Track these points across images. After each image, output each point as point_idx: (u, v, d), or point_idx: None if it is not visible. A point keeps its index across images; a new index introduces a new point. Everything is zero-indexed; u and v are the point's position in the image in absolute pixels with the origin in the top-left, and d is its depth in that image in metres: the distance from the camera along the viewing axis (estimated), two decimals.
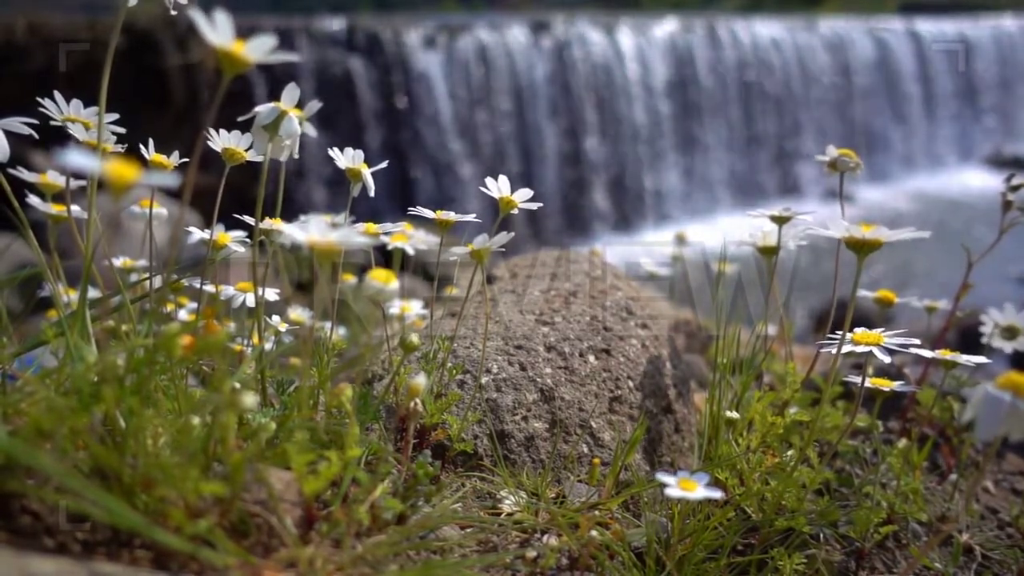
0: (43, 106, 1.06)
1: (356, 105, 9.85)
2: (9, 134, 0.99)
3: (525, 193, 1.15)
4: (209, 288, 1.24)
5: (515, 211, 1.14)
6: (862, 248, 0.97)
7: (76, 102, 1.09)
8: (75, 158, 0.59)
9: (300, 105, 0.98)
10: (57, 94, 1.07)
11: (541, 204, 1.16)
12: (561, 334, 1.33)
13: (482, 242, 1.10)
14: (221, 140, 1.10)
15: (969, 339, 1.45)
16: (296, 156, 1.05)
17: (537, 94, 10.83)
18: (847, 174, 1.29)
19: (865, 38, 13.65)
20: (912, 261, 9.02)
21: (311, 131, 1.01)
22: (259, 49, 0.75)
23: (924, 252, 8.88)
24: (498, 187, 1.14)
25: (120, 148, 1.10)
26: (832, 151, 1.29)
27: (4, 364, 0.92)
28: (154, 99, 8.77)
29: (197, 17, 0.72)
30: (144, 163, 1.11)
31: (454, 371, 1.18)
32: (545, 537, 0.99)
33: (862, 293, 1.38)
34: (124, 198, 0.62)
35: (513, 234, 1.10)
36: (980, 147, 14.43)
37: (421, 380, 0.91)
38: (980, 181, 12.93)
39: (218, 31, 0.74)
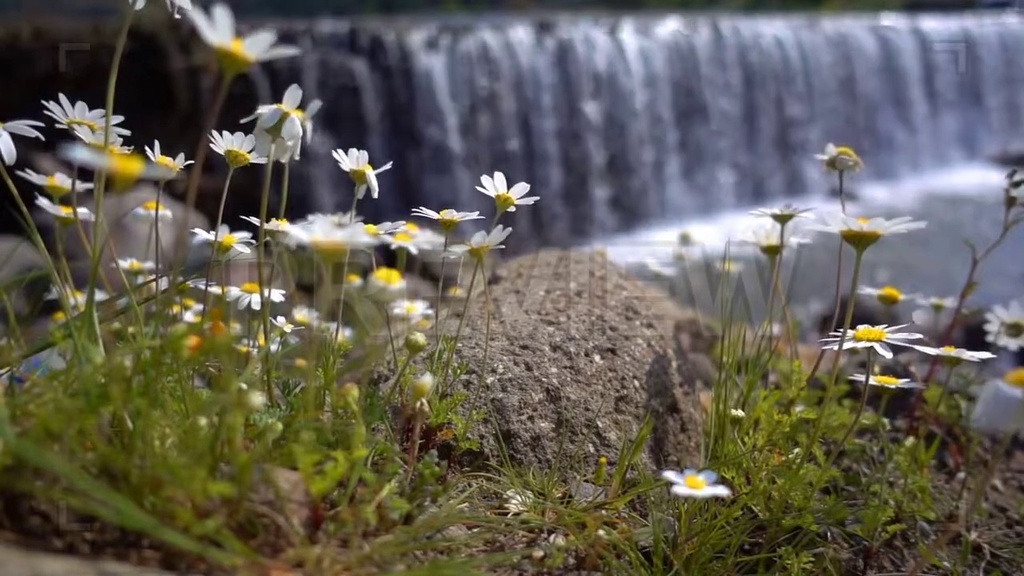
0: (48, 110, 1.07)
1: (359, 107, 9.86)
2: (16, 137, 0.99)
3: (521, 188, 1.12)
4: (215, 289, 1.25)
5: (513, 209, 1.12)
6: (860, 241, 0.97)
7: (81, 105, 1.09)
8: (79, 153, 0.59)
9: (303, 107, 0.98)
10: (62, 97, 1.07)
11: (538, 198, 1.13)
12: (566, 334, 1.33)
13: (480, 240, 1.08)
14: (224, 142, 1.10)
15: (976, 337, 1.44)
16: (298, 158, 1.05)
17: (540, 94, 10.83)
18: (851, 173, 1.29)
19: (869, 36, 13.61)
20: (917, 260, 8.99)
21: (309, 127, 1.00)
22: (258, 46, 0.73)
23: (930, 251, 8.85)
24: (494, 184, 1.12)
25: (125, 150, 1.10)
26: (831, 149, 1.29)
27: (12, 366, 0.92)
28: (159, 103, 8.80)
29: (196, 16, 0.71)
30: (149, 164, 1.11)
31: (459, 371, 1.18)
32: (552, 537, 0.98)
33: (867, 291, 1.37)
34: (127, 193, 0.62)
35: (510, 229, 1.07)
36: (986, 145, 14.37)
37: (427, 380, 0.91)
38: (986, 179, 12.87)
39: (217, 30, 0.72)
